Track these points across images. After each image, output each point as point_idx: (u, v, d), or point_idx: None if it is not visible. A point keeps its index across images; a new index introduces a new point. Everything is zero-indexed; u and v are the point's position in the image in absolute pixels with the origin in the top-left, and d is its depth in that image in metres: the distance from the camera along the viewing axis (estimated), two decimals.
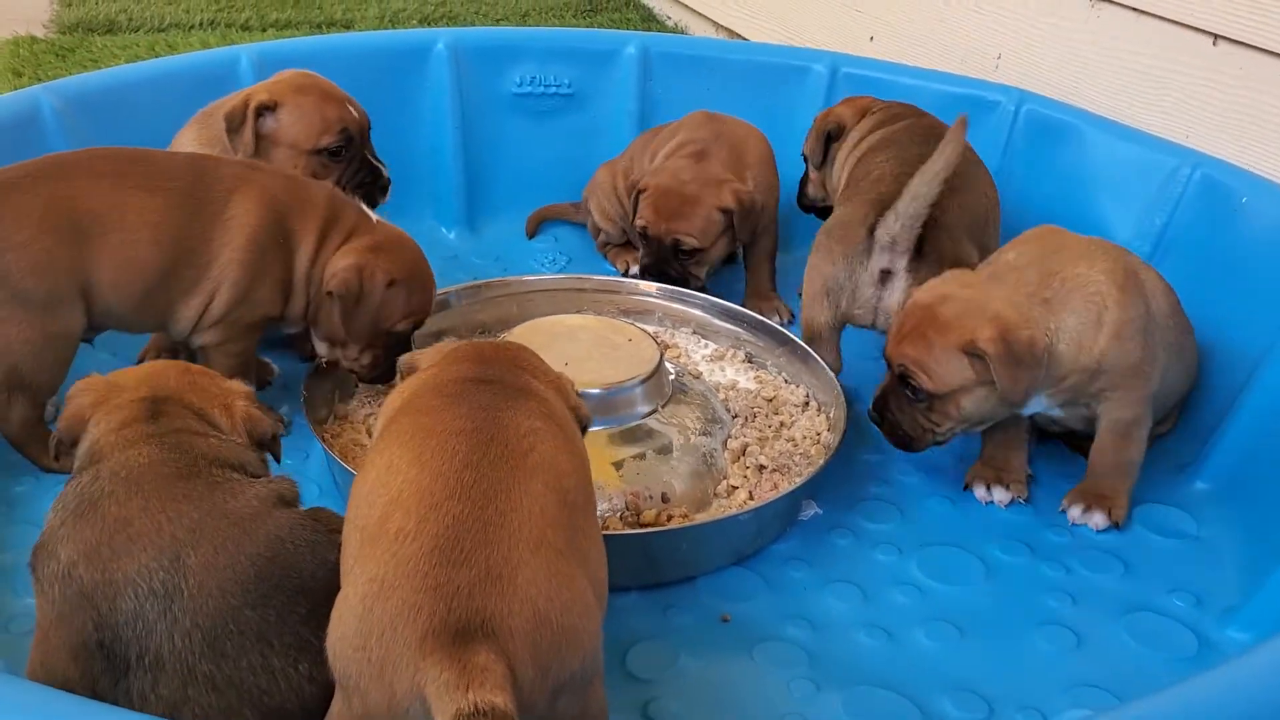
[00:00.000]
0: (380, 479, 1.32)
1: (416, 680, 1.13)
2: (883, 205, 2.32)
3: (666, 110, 3.21)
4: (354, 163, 2.48)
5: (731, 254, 2.92)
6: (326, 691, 1.30)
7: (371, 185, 2.51)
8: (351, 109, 2.48)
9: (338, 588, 1.29)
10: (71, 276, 2.03)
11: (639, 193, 2.74)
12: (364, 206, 2.29)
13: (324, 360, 2.33)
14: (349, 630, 1.19)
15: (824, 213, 2.84)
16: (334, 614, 1.23)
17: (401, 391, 1.53)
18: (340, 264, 2.16)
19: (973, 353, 1.97)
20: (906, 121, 2.67)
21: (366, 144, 2.52)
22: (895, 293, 2.32)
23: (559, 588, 1.22)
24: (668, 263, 2.71)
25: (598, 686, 1.34)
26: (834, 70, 3.22)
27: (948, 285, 2.07)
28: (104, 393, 1.57)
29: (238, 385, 1.68)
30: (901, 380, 2.07)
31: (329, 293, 2.17)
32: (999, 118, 2.99)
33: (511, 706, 1.11)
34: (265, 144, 2.41)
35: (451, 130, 3.23)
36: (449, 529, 1.22)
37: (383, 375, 2.29)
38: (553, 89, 3.30)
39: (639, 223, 2.73)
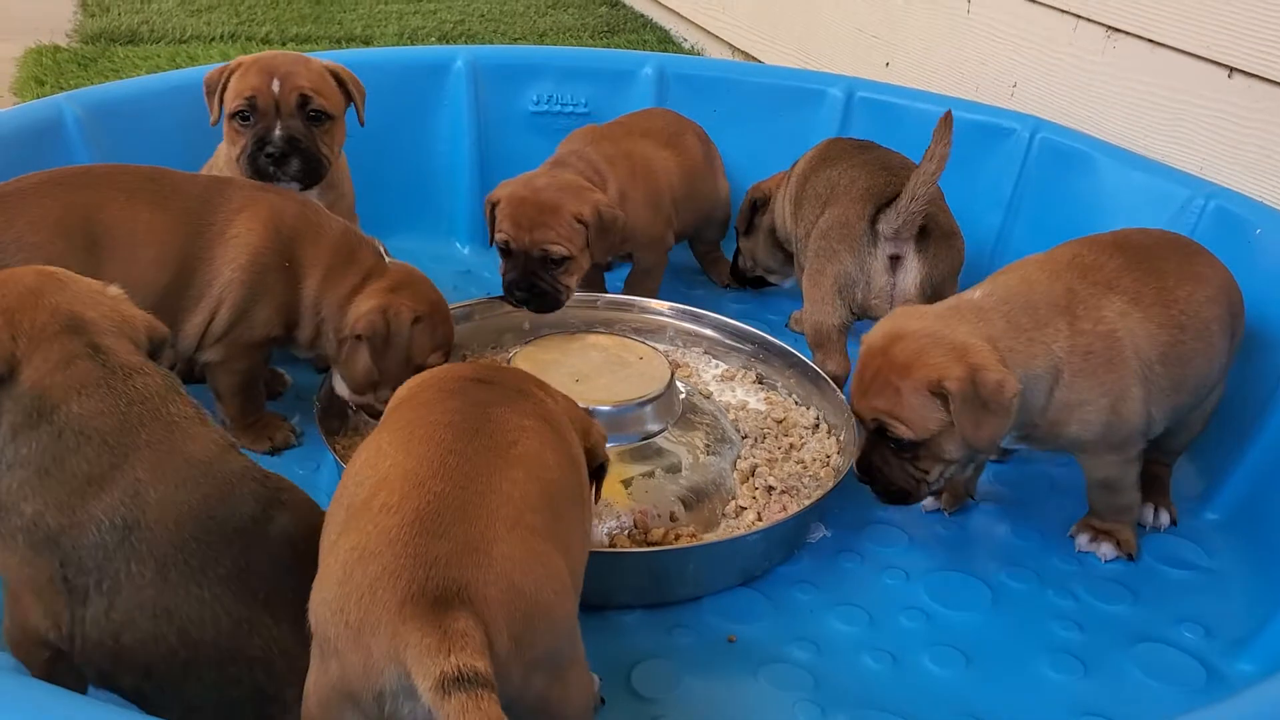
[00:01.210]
0: (369, 461, 1.38)
1: (394, 644, 1.15)
2: (874, 198, 2.40)
3: None
4: (258, 133, 2.35)
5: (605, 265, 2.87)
6: (245, 622, 1.41)
7: (268, 161, 2.34)
8: (273, 81, 2.34)
9: (269, 533, 1.44)
10: None
11: (492, 205, 2.56)
12: (379, 246, 2.30)
13: (354, 407, 2.32)
14: (329, 594, 1.22)
15: (753, 283, 3.07)
16: (316, 580, 1.27)
17: (407, 385, 1.60)
18: (364, 307, 2.18)
19: (939, 393, 1.85)
20: (823, 146, 2.76)
21: (287, 120, 2.35)
22: (909, 275, 2.39)
23: (534, 564, 1.25)
24: (537, 275, 2.49)
25: (578, 673, 1.36)
26: (850, 94, 3.23)
27: (896, 322, 1.95)
28: (12, 318, 1.49)
29: (112, 289, 1.63)
30: (879, 434, 1.94)
31: (357, 336, 2.18)
32: (1014, 145, 3.00)
33: (490, 671, 1.13)
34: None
35: (468, 146, 3.25)
36: (430, 504, 1.26)
37: None
38: (569, 108, 3.33)
39: (499, 237, 2.53)
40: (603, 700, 1.72)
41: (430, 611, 1.16)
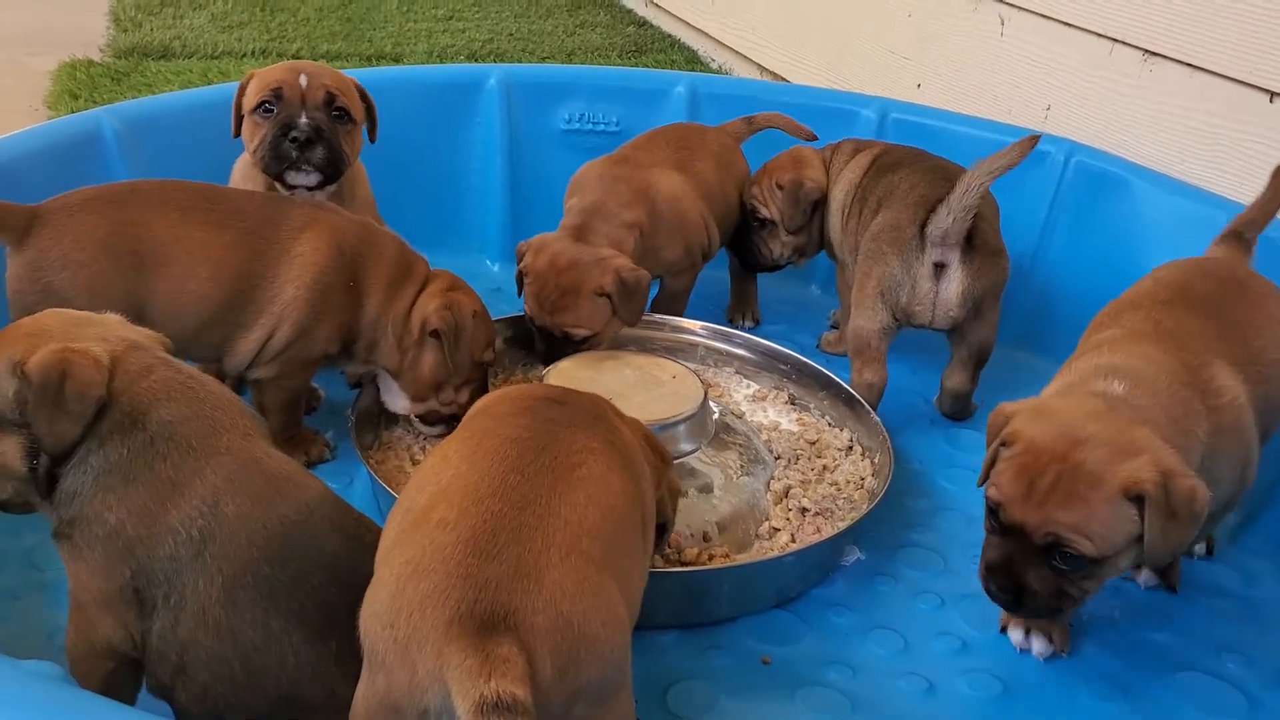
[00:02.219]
0: (433, 469, 1.39)
1: (439, 663, 1.15)
2: (926, 205, 2.42)
3: None
4: (282, 120, 2.31)
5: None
6: (310, 667, 1.39)
7: (292, 145, 2.30)
8: (300, 77, 2.33)
9: (351, 574, 1.39)
10: (122, 302, 2.04)
11: (522, 274, 2.53)
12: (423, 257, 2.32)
13: (412, 415, 2.33)
14: (381, 608, 1.22)
15: (772, 268, 2.97)
16: (369, 592, 1.26)
17: (484, 399, 1.61)
18: (431, 305, 2.21)
19: (1136, 497, 1.63)
20: (877, 151, 2.76)
21: (312, 112, 2.32)
22: (952, 284, 2.43)
23: (585, 594, 1.24)
24: (563, 351, 2.48)
25: (623, 703, 1.34)
26: (883, 115, 3.23)
27: (1059, 422, 1.70)
28: (87, 345, 1.49)
29: (111, 316, 1.63)
30: (1048, 550, 1.68)
31: (432, 333, 2.20)
32: (1048, 168, 2.99)
33: (530, 700, 1.12)
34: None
35: (500, 164, 3.27)
36: (486, 524, 1.26)
37: None
38: (600, 126, 3.33)
39: (526, 311, 2.54)
40: None
41: (476, 634, 1.16)
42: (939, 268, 2.42)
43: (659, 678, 1.81)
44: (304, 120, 2.30)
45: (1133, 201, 2.82)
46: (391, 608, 1.21)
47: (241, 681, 1.41)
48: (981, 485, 1.79)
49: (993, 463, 1.75)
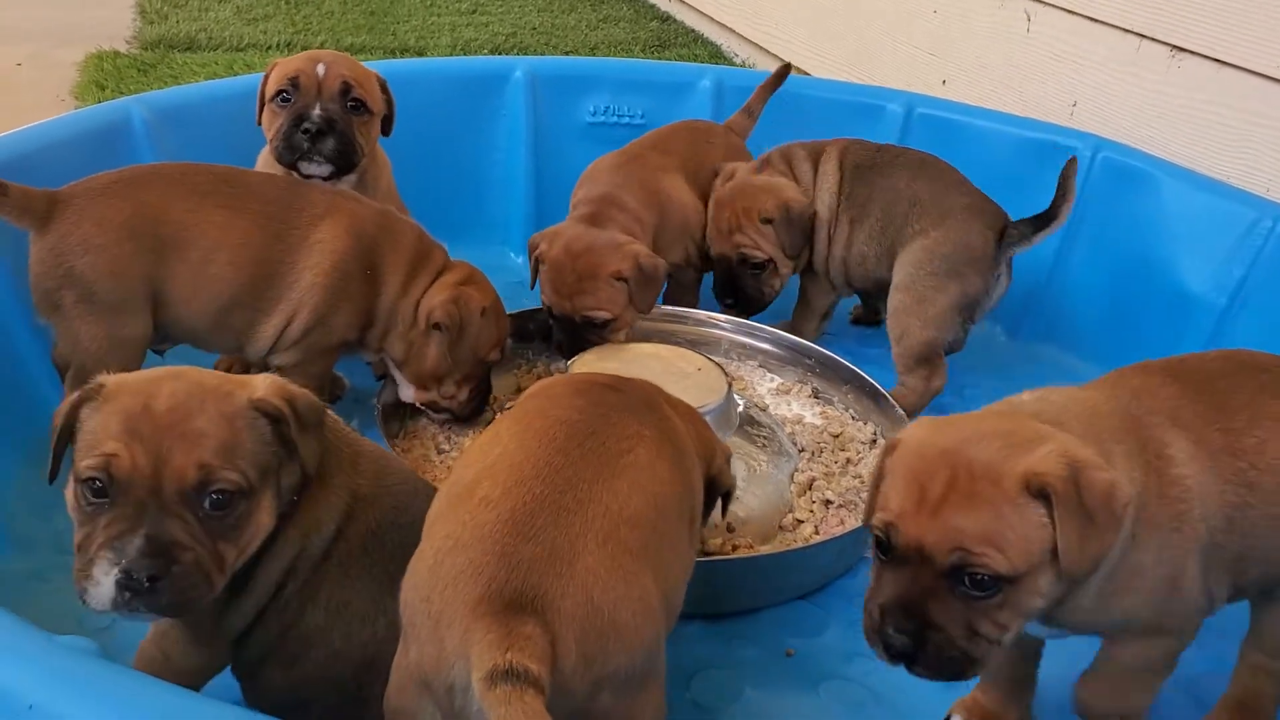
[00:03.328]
0: (484, 444, 1.41)
1: (465, 639, 1.16)
2: (983, 216, 2.53)
3: None
4: (297, 110, 2.33)
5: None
6: (396, 627, 1.36)
7: (304, 137, 2.31)
8: (318, 66, 2.34)
9: None
10: (145, 285, 2.07)
11: (536, 260, 2.53)
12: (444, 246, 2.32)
13: (411, 408, 2.36)
14: (420, 580, 1.24)
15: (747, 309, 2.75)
16: (410, 564, 1.28)
17: (545, 381, 1.65)
18: (438, 298, 2.20)
19: (1040, 493, 1.32)
20: (838, 152, 2.74)
21: (327, 103, 2.33)
22: (1001, 287, 2.61)
23: (618, 582, 1.24)
24: (583, 339, 2.49)
25: (652, 695, 1.33)
26: (909, 110, 3.22)
27: (965, 421, 1.42)
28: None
29: (254, 377, 1.59)
30: (953, 574, 1.33)
31: (435, 325, 2.20)
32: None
33: (545, 677, 1.13)
34: None
35: (524, 156, 3.28)
36: (527, 504, 1.27)
37: (476, 410, 2.34)
38: (625, 119, 3.33)
39: (544, 301, 2.54)
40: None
41: (502, 612, 1.17)
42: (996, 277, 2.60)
43: (684, 667, 1.82)
44: (317, 112, 2.31)
45: (1160, 198, 2.81)
46: (428, 581, 1.22)
47: (336, 648, 1.46)
48: (868, 522, 1.44)
49: (877, 486, 1.43)
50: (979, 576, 1.32)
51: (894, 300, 2.57)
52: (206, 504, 1.33)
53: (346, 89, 2.34)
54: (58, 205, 2.04)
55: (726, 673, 1.83)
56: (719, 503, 1.73)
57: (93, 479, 1.31)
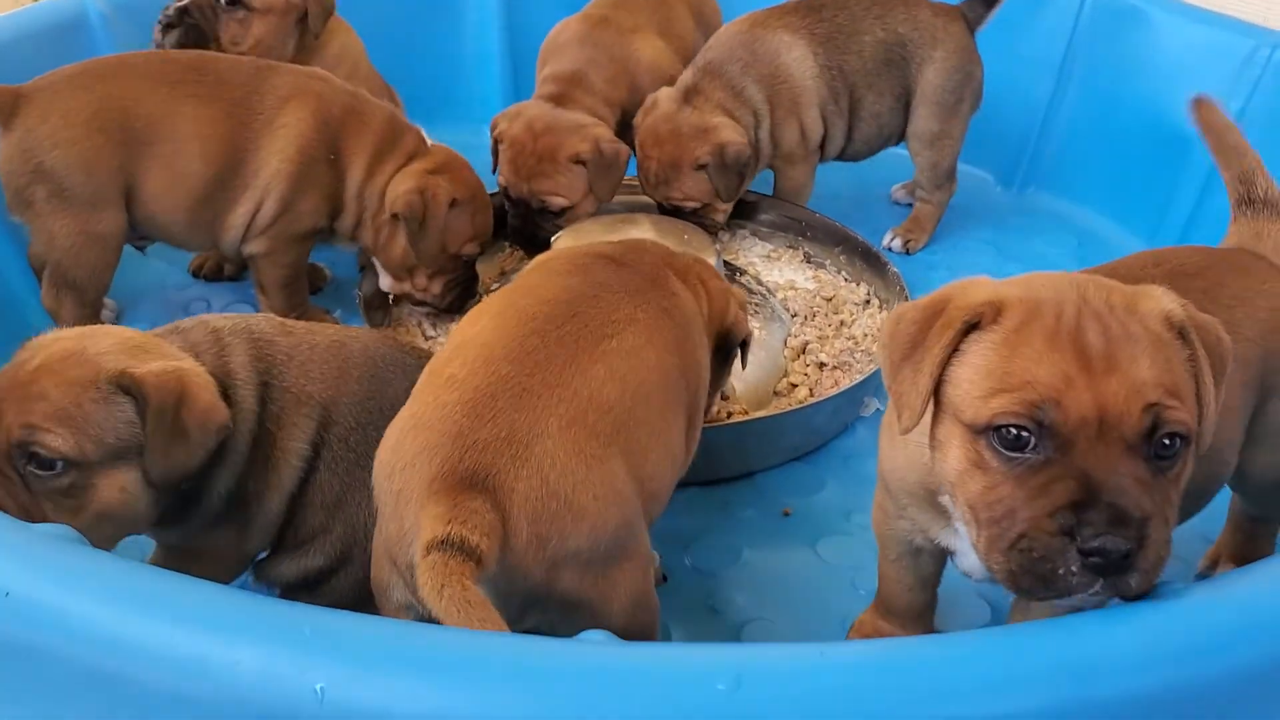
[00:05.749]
0: (469, 319, 1.40)
1: (419, 517, 1.16)
2: (954, 13, 2.56)
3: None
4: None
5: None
6: None
7: (157, 28, 2.34)
8: None
9: None
10: (117, 178, 2.02)
11: (496, 142, 2.45)
12: (421, 132, 2.23)
13: (393, 296, 2.30)
14: (384, 459, 1.25)
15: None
16: (381, 442, 1.28)
17: (547, 253, 1.64)
18: (402, 187, 2.12)
19: (1181, 331, 1.16)
20: (808, 23, 2.52)
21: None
22: None
23: (578, 465, 1.22)
24: (537, 225, 2.40)
25: (625, 574, 1.29)
26: None
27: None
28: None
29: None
30: (1144, 442, 1.10)
31: (394, 215, 2.13)
32: (1064, 4, 2.86)
33: (489, 552, 1.13)
34: None
35: (497, 29, 3.15)
36: (490, 385, 1.25)
37: (454, 304, 2.27)
38: None
39: (500, 181, 2.44)
40: (665, 577, 1.72)
41: (453, 490, 1.17)
42: None
43: (682, 533, 1.82)
44: (173, 4, 2.30)
45: (1154, 35, 2.71)
46: (392, 460, 1.22)
47: (339, 534, 1.51)
48: (981, 420, 1.14)
49: (971, 373, 1.18)
50: (1170, 438, 1.10)
51: (924, 126, 2.55)
52: (32, 465, 1.34)
53: None
54: (22, 100, 1.99)
55: (724, 537, 1.82)
56: (745, 355, 1.74)
57: None
